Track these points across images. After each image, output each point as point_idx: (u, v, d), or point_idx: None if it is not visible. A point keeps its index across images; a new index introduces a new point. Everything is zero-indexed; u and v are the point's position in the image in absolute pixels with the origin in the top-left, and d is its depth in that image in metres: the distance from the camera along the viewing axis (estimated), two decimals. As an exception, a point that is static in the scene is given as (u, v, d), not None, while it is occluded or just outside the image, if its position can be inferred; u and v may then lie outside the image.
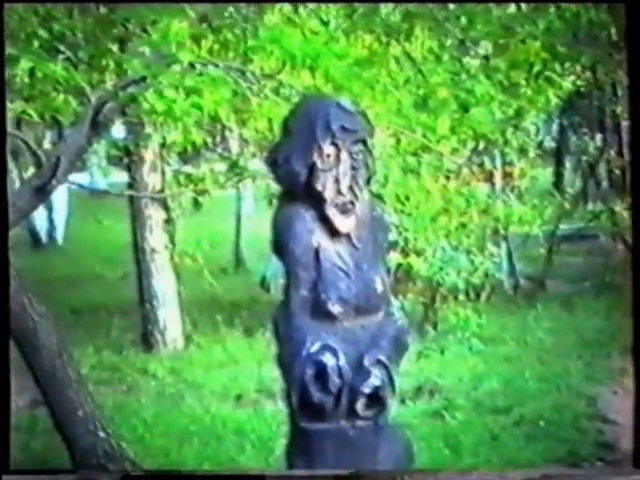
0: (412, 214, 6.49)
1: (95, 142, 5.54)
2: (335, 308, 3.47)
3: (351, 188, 3.49)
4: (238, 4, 5.41)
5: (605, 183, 12.94)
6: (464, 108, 6.21)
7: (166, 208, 9.25)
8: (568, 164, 15.78)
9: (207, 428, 6.73)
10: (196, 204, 11.74)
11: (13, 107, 5.20)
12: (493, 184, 10.48)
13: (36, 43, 5.36)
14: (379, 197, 5.31)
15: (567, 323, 9.39)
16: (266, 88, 5.08)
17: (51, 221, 16.65)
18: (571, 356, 8.22)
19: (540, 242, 10.87)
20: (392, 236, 6.83)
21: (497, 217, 8.16)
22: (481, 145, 8.42)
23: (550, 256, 11.40)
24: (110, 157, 16.73)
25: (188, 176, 8.99)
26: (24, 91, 5.24)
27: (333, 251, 3.50)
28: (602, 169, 12.94)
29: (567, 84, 7.70)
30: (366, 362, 3.42)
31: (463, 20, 6.78)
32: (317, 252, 3.47)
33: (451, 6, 6.67)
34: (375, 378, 3.42)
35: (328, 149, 3.45)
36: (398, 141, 5.89)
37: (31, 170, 6.40)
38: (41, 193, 5.00)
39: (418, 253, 8.15)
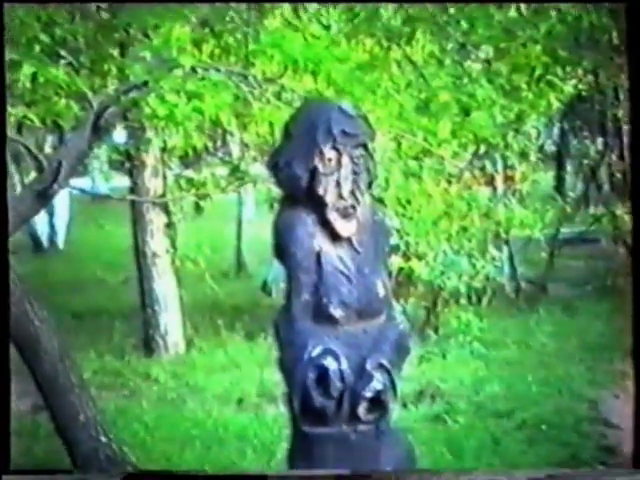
0: (413, 218, 6.49)
1: (96, 147, 5.55)
2: (337, 312, 3.46)
3: (352, 192, 3.49)
4: (239, 8, 5.41)
5: (606, 187, 12.95)
6: (465, 112, 6.21)
7: (167, 212, 9.25)
8: (569, 168, 15.79)
9: (209, 432, 6.73)
10: (197, 208, 11.74)
11: (15, 112, 5.20)
12: (494, 188, 10.48)
13: (38, 48, 5.35)
14: (380, 201, 5.32)
15: (569, 327, 9.38)
16: (267, 92, 5.08)
17: (52, 226, 16.66)
18: (573, 360, 8.22)
19: (542, 246, 10.87)
20: (393, 240, 6.85)
21: (498, 221, 8.16)
22: (482, 149, 8.41)
23: (552, 260, 11.40)
24: (111, 162, 16.74)
25: (189, 180, 8.98)
26: (26, 96, 5.24)
27: (334, 255, 3.50)
28: (603, 173, 12.95)
29: (568, 88, 7.71)
30: (368, 366, 3.42)
31: (464, 24, 6.78)
32: (318, 256, 3.47)
33: (452, 10, 6.66)
34: (377, 382, 3.42)
35: (329, 153, 3.45)
36: (399, 145, 5.89)
37: (32, 175, 6.42)
38: (42, 198, 5.01)
39: (419, 257, 8.15)
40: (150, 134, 7.93)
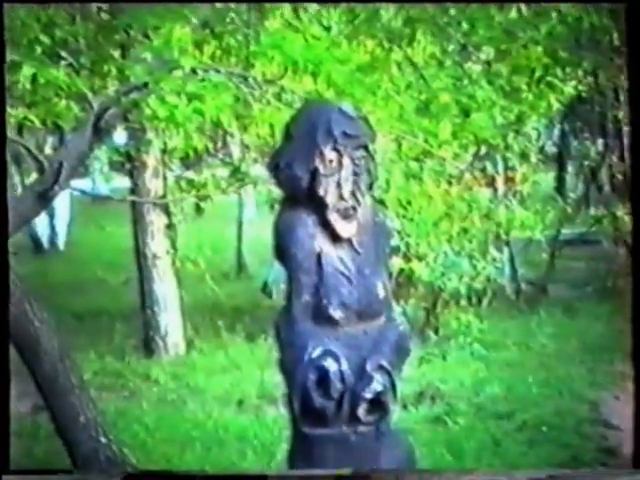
0: (414, 219, 6.49)
1: (97, 148, 5.55)
2: (337, 313, 3.46)
3: (353, 193, 3.49)
4: (240, 9, 5.41)
5: (607, 188, 12.95)
6: (466, 113, 6.21)
7: (168, 213, 9.26)
8: (570, 169, 15.79)
9: (209, 433, 6.73)
10: (198, 209, 11.76)
11: (15, 113, 5.20)
12: (495, 189, 10.49)
13: (38, 49, 5.35)
14: (381, 202, 5.32)
15: (569, 328, 9.38)
16: (268, 94, 5.08)
17: (53, 227, 16.66)
18: (573, 361, 8.22)
19: (542, 247, 10.88)
20: (394, 241, 6.86)
21: (499, 222, 8.16)
22: (483, 150, 8.42)
23: (552, 261, 11.41)
24: (112, 163, 16.74)
25: (190, 181, 9.00)
26: (26, 97, 5.24)
27: (335, 256, 3.50)
28: (604, 174, 12.96)
29: (569, 89, 7.71)
30: (368, 367, 3.42)
31: (465, 25, 6.78)
32: (319, 257, 3.47)
33: (453, 11, 6.67)
34: (377, 383, 3.42)
35: (330, 154, 3.45)
36: (400, 146, 5.89)
37: (33, 176, 6.42)
38: (43, 199, 5.01)
39: (420, 258, 8.15)
40: (150, 135, 7.94)
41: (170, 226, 9.25)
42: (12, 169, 15.58)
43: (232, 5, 5.45)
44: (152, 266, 9.10)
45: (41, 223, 15.97)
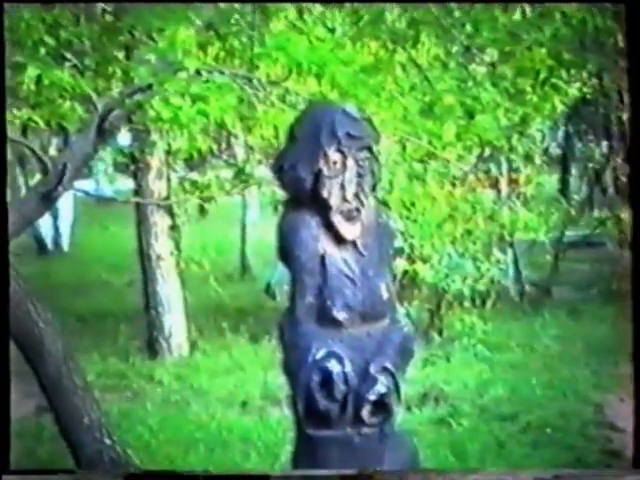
0: (418, 221, 6.49)
1: (101, 149, 5.54)
2: (341, 315, 3.46)
3: (357, 195, 3.48)
4: (244, 10, 5.41)
5: (611, 190, 12.94)
6: (470, 115, 6.20)
7: (172, 215, 9.26)
8: (574, 171, 15.79)
9: (213, 435, 6.73)
10: (202, 211, 11.78)
11: (19, 114, 5.21)
12: (499, 191, 10.48)
13: (43, 50, 5.36)
14: (385, 204, 5.31)
15: (573, 330, 9.38)
16: (272, 95, 5.08)
17: (57, 228, 16.68)
18: (578, 363, 8.21)
19: (546, 249, 10.87)
20: (398, 243, 6.84)
21: (503, 224, 8.15)
22: (487, 152, 8.42)
23: (556, 263, 11.40)
24: (116, 164, 16.75)
25: (194, 183, 9.00)
26: (30, 98, 5.25)
27: (339, 258, 3.50)
28: (608, 176, 12.95)
29: (573, 91, 7.70)
30: (372, 369, 3.42)
31: (469, 27, 6.77)
32: (323, 259, 3.47)
33: (457, 13, 6.66)
34: (381, 385, 3.41)
35: (334, 156, 3.45)
36: (404, 148, 5.89)
37: (37, 177, 6.42)
38: (47, 200, 5.00)
39: (424, 260, 8.15)
40: (155, 137, 7.95)
41: (174, 227, 9.26)
42: (16, 170, 15.63)
43: (236, 7, 5.45)
44: (156, 267, 9.11)
45: (45, 224, 16.00)
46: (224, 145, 12.17)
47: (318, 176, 3.44)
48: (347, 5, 6.32)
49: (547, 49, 6.81)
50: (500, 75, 6.97)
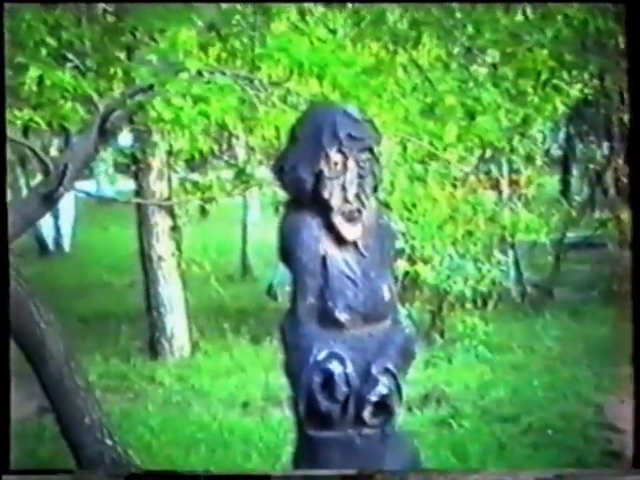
0: (419, 222, 6.49)
1: (102, 150, 5.54)
2: (342, 316, 3.46)
3: (358, 196, 3.48)
4: (246, 11, 5.41)
5: (612, 191, 12.92)
6: (471, 116, 6.21)
7: (173, 216, 9.27)
8: (575, 172, 15.78)
9: (214, 436, 6.73)
10: (203, 212, 11.78)
11: (21, 115, 5.21)
12: (500, 192, 10.48)
13: (44, 51, 5.36)
14: (386, 205, 5.32)
15: (575, 331, 9.37)
16: (273, 96, 5.08)
17: (58, 229, 16.68)
18: (579, 364, 8.21)
19: (547, 250, 10.86)
20: (399, 244, 6.85)
21: (504, 225, 8.15)
22: (488, 153, 8.43)
23: (557, 264, 11.39)
24: (117, 165, 16.79)
25: (195, 184, 8.99)
26: (32, 99, 5.25)
27: (340, 259, 3.49)
28: (609, 177, 12.92)
29: (574, 92, 7.71)
30: (374, 370, 3.41)
31: (470, 28, 6.78)
32: (324, 260, 3.46)
33: (458, 14, 6.66)
34: (382, 386, 3.41)
35: (335, 157, 3.44)
36: (405, 149, 5.89)
37: (38, 177, 6.42)
38: (48, 201, 5.01)
39: (425, 261, 8.15)
40: (156, 137, 7.95)
41: (175, 228, 9.26)
42: (17, 171, 15.64)
43: (238, 7, 5.45)
44: (157, 268, 9.12)
45: (46, 225, 16.00)
46: (225, 146, 12.18)
47: (319, 177, 3.44)
48: (348, 6, 6.32)
49: (548, 50, 6.81)
50: (501, 76, 6.97)
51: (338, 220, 3.47)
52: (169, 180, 9.26)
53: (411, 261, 8.15)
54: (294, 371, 3.44)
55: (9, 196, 4.74)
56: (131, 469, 5.57)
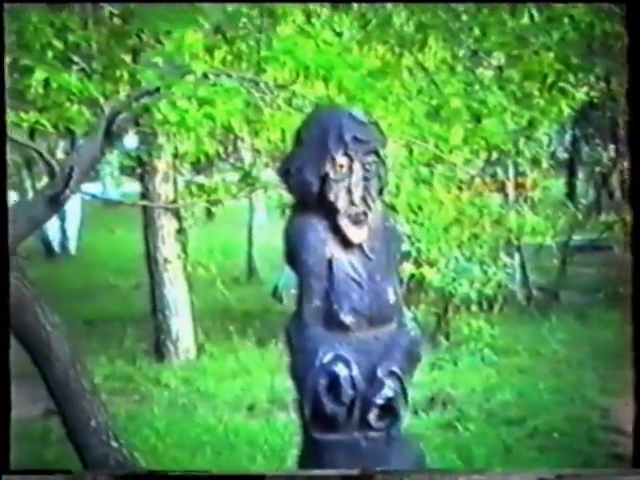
0: (425, 224, 6.49)
1: (108, 152, 5.54)
2: (348, 318, 3.46)
3: (364, 199, 3.48)
4: (252, 14, 5.41)
5: (618, 194, 12.92)
6: (477, 119, 6.21)
7: (179, 218, 9.28)
8: (581, 175, 15.77)
9: (219, 438, 6.73)
10: (209, 214, 11.77)
11: (27, 117, 5.21)
12: (506, 195, 10.48)
13: (50, 54, 5.36)
14: (392, 207, 5.32)
15: (581, 334, 9.36)
16: (279, 98, 5.08)
17: (64, 231, 16.71)
18: (585, 367, 8.19)
19: (553, 253, 10.86)
20: (405, 246, 6.85)
21: (510, 228, 8.16)
22: (494, 156, 8.41)
23: (563, 267, 11.38)
24: (123, 167, 16.80)
25: (201, 186, 9.01)
26: (38, 101, 5.25)
27: (346, 262, 3.49)
28: (615, 180, 12.93)
29: (580, 95, 7.69)
30: (379, 373, 3.41)
31: (476, 31, 6.78)
32: (330, 262, 3.46)
33: (464, 17, 6.66)
34: (388, 389, 3.41)
35: (341, 159, 3.44)
36: (411, 151, 5.90)
37: (44, 180, 6.42)
38: (54, 203, 5.00)
39: (431, 264, 8.15)
40: (162, 140, 7.96)
41: (181, 231, 9.27)
42: (24, 173, 15.66)
43: (244, 10, 5.45)
44: (163, 271, 9.12)
45: (52, 227, 16.03)
46: (231, 148, 12.17)
47: (325, 180, 3.44)
48: (354, 9, 6.32)
49: (555, 53, 6.81)
50: (507, 79, 6.97)
51: (344, 223, 3.47)
52: (175, 182, 9.27)
53: (417, 264, 8.14)
54: (300, 374, 3.44)
55: (15, 198, 4.75)
56: (137, 471, 5.57)
